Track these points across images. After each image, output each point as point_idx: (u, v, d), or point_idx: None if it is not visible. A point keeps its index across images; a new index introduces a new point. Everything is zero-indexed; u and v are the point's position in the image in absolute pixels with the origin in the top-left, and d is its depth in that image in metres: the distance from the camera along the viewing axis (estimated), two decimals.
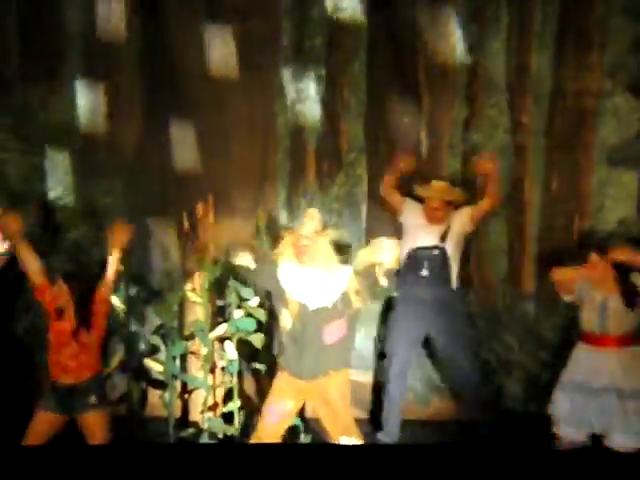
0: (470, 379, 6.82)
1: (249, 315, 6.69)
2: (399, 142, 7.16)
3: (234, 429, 6.69)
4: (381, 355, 7.10)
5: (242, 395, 6.93)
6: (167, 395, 6.78)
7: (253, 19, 7.16)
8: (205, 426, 6.69)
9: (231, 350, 6.68)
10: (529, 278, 7.25)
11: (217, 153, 7.26)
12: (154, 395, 6.97)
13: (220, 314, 6.87)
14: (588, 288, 6.09)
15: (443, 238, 6.78)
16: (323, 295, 5.84)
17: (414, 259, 6.77)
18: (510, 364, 7.27)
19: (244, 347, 6.79)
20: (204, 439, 6.63)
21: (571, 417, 6.04)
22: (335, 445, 5.86)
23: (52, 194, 7.29)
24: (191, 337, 6.88)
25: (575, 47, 7.07)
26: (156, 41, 7.22)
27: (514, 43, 7.11)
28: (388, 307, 7.13)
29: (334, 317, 5.84)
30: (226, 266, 6.69)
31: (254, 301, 6.70)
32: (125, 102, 7.27)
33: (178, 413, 7.02)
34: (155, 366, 6.80)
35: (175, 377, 6.81)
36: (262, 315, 6.70)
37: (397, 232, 6.89)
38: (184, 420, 7.08)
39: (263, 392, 6.62)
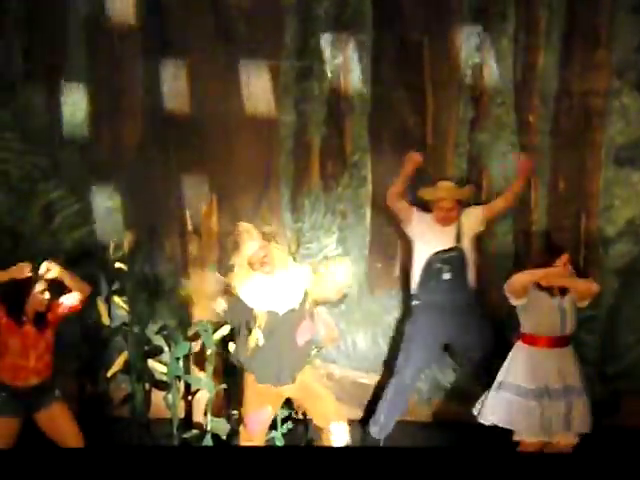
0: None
1: None
2: (404, 142, 7.10)
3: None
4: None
5: None
6: (170, 396, 6.77)
7: (254, 18, 7.10)
8: (209, 427, 6.66)
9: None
10: None
11: (220, 154, 7.23)
12: (158, 396, 6.95)
13: None
14: (542, 291, 6.05)
15: (458, 238, 6.72)
16: (290, 297, 5.96)
17: (434, 264, 6.68)
18: None
19: None
20: (208, 441, 6.61)
21: (534, 424, 6.00)
22: (338, 448, 5.90)
23: (55, 194, 7.30)
24: (195, 338, 6.84)
25: (582, 46, 7.01)
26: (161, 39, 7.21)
27: (521, 42, 7.04)
28: (405, 316, 7.04)
29: (302, 318, 5.98)
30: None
31: None
32: (127, 102, 7.25)
33: (182, 414, 7.01)
34: (159, 367, 6.78)
35: (179, 378, 6.80)
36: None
37: (400, 232, 6.86)
38: (188, 421, 7.04)
39: None
